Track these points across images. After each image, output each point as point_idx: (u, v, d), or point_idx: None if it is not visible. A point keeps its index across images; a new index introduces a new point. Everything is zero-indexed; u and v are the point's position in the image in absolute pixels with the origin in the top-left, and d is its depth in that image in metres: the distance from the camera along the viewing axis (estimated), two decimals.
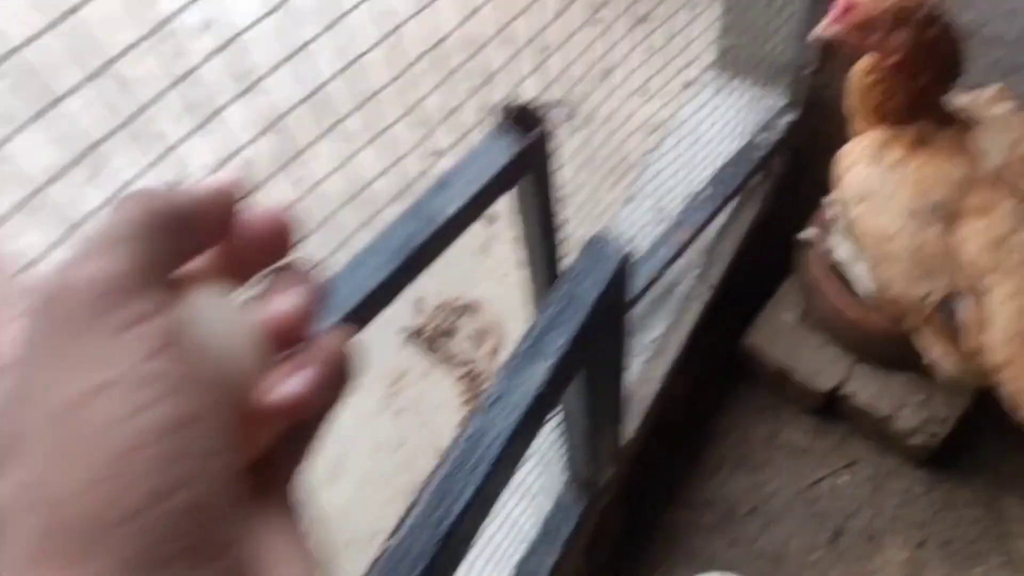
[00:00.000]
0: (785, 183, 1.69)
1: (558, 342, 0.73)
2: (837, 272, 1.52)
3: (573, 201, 1.34)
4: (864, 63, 1.21)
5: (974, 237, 1.16)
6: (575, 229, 1.22)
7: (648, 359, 1.42)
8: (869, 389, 1.56)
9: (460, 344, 1.72)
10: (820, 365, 1.59)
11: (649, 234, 1.47)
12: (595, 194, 1.50)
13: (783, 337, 1.62)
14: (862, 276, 1.38)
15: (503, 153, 0.75)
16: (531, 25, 1.10)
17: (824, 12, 1.37)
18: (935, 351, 1.25)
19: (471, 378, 1.69)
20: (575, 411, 0.99)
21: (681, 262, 1.48)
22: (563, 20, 1.15)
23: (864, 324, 1.50)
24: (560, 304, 0.74)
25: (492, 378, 1.67)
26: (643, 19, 1.94)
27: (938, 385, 1.53)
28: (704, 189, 1.48)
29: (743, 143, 1.54)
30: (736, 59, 1.60)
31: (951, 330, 1.19)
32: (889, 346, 1.52)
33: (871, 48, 1.16)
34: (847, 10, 1.11)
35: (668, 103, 1.62)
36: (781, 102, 1.58)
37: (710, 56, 1.65)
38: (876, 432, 1.59)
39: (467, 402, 1.67)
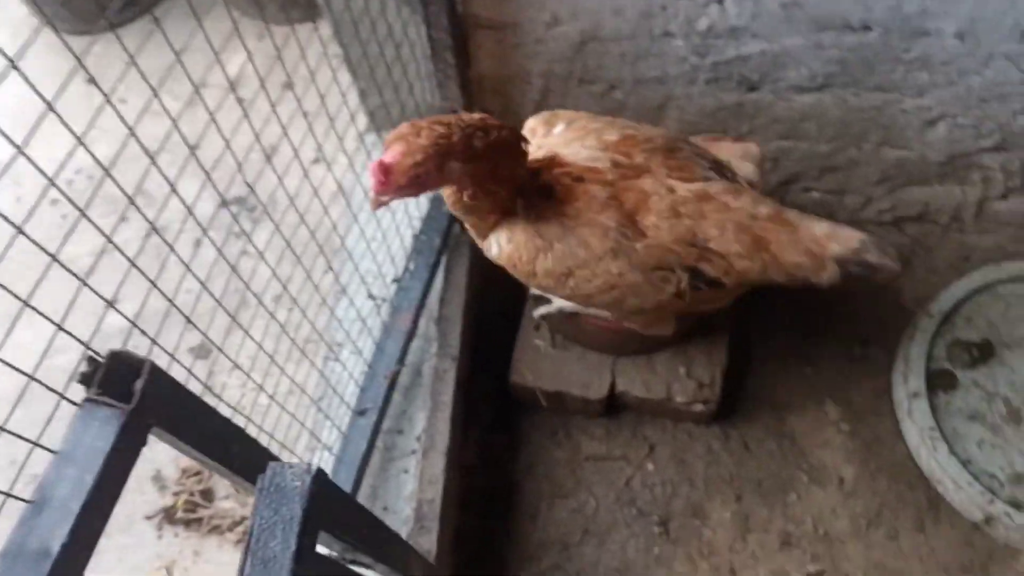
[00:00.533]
0: None
1: None
2: None
3: (285, 296, 1.21)
4: (448, 195, 1.17)
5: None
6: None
7: (422, 457, 1.34)
8: (637, 380, 1.58)
9: (222, 505, 1.54)
10: (587, 376, 1.59)
11: (372, 327, 1.38)
12: (306, 284, 1.38)
13: (544, 362, 1.61)
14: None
15: (102, 437, 0.61)
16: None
17: (443, 59, 1.34)
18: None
19: None
20: None
21: (416, 343, 1.40)
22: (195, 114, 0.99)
23: (610, 326, 1.51)
24: (264, 559, 0.62)
25: None
26: (288, 86, 1.83)
27: (691, 352, 1.60)
28: (407, 268, 1.40)
29: (429, 202, 1.48)
30: (386, 116, 1.53)
31: None
32: (639, 337, 1.55)
33: (434, 189, 1.12)
34: (386, 175, 1.00)
35: (347, 166, 1.53)
36: None
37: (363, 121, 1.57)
38: (660, 412, 1.63)
39: None
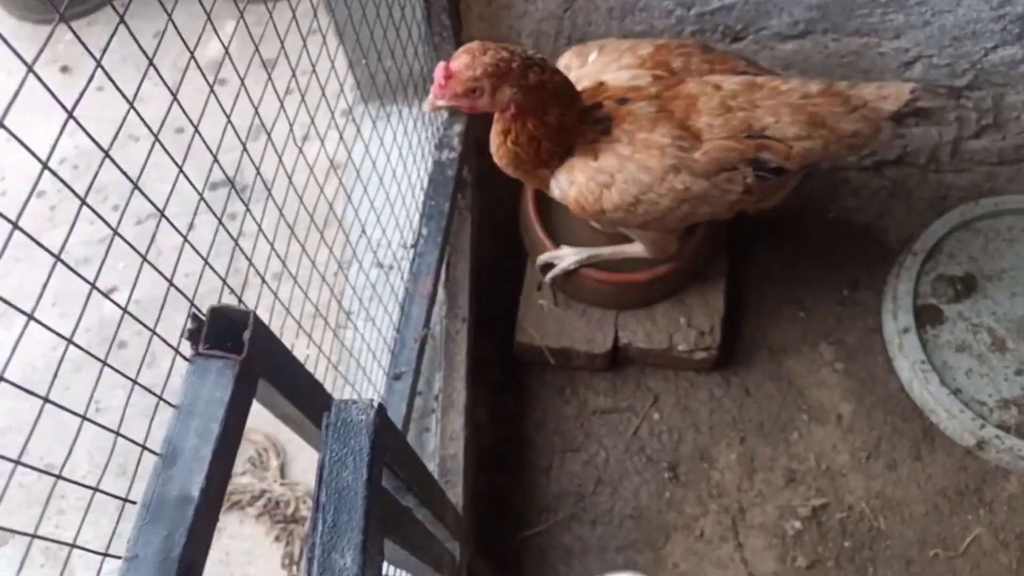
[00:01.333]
0: (483, 182, 1.68)
1: (353, 539, 0.63)
2: (563, 238, 1.56)
3: (294, 275, 1.22)
4: (496, 135, 1.22)
5: None
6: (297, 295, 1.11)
7: (441, 415, 1.36)
8: (640, 332, 1.62)
9: (240, 481, 1.55)
10: (590, 331, 1.62)
11: (385, 294, 1.39)
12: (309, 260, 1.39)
13: (547, 321, 1.63)
14: None
15: (219, 387, 0.62)
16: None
17: (439, 20, 1.35)
18: None
19: (271, 510, 1.53)
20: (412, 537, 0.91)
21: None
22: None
23: (610, 280, 1.54)
24: (332, 504, 0.64)
25: (296, 500, 1.54)
26: (273, 64, 1.81)
27: (690, 302, 1.64)
28: (420, 232, 1.42)
29: (431, 167, 1.49)
30: (378, 87, 1.54)
31: None
32: (638, 289, 1.58)
33: (484, 109, 1.16)
34: (446, 80, 1.10)
35: (339, 141, 1.53)
36: (443, 115, 1.55)
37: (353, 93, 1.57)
38: (663, 362, 1.67)
39: (279, 537, 1.51)
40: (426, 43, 1.44)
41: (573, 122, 1.20)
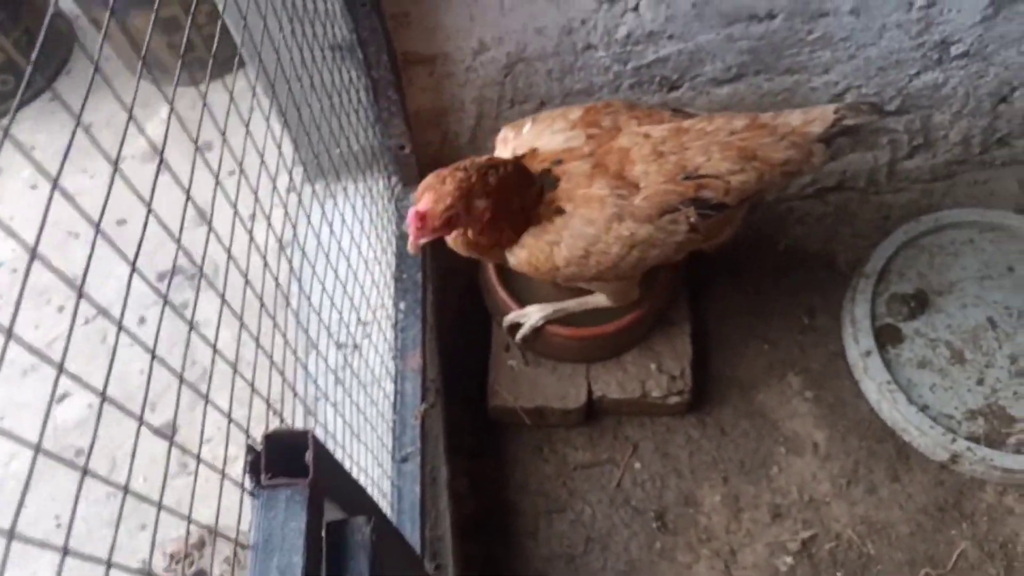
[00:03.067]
0: (439, 248, 1.67)
1: None
2: (527, 298, 1.56)
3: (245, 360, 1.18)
4: (453, 239, 1.26)
5: None
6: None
7: (421, 487, 1.33)
8: (612, 383, 1.61)
9: None
10: (563, 387, 1.61)
11: (347, 375, 1.36)
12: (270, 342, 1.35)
13: (519, 381, 1.62)
14: None
15: (293, 516, 0.58)
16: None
17: (386, 96, 1.35)
18: None
19: None
20: None
21: None
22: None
23: (577, 335, 1.54)
24: None
25: None
26: (208, 147, 1.79)
27: (658, 348, 1.64)
28: (398, 307, 1.41)
29: (396, 241, 1.48)
30: (323, 166, 1.53)
31: None
32: (606, 341, 1.58)
33: (466, 225, 1.19)
34: (422, 222, 1.12)
35: (285, 220, 1.51)
36: (399, 185, 1.55)
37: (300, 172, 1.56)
38: (637, 410, 1.67)
39: None
40: (374, 119, 1.44)
41: (533, 200, 1.21)
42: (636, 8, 1.40)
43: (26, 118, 2.27)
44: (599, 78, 1.55)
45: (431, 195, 1.12)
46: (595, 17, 1.41)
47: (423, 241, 1.15)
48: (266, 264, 1.10)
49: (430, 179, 1.15)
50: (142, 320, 1.58)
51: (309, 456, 0.61)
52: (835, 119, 1.29)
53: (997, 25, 1.56)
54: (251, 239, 1.09)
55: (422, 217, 1.12)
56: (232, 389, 1.10)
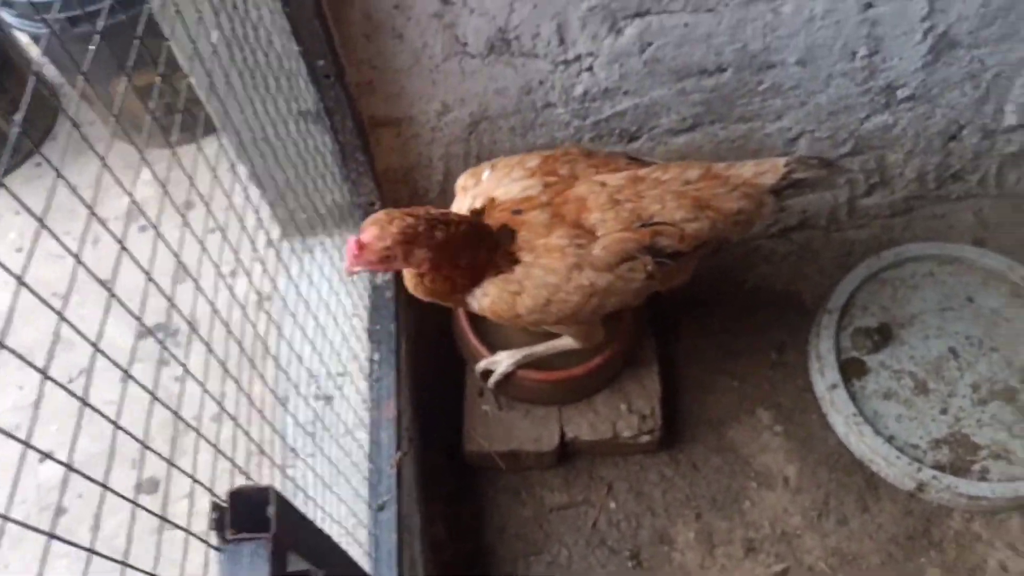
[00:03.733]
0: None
1: None
2: (498, 345, 1.61)
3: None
4: (410, 276, 1.30)
5: None
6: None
7: (398, 534, 1.36)
8: (584, 424, 1.66)
9: None
10: (536, 430, 1.66)
11: (332, 424, 1.41)
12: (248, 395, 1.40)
13: (493, 426, 1.66)
14: None
15: (256, 569, 0.63)
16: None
17: (354, 158, 1.41)
18: None
19: None
20: None
21: None
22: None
23: (548, 379, 1.59)
24: None
25: None
26: (189, 206, 1.84)
27: (627, 388, 1.69)
28: (372, 358, 1.46)
29: (370, 293, 1.54)
30: (304, 220, 1.59)
31: None
32: (576, 383, 1.63)
33: (399, 268, 1.25)
34: (360, 250, 1.17)
35: (263, 275, 1.57)
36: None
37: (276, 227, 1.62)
38: (610, 450, 1.71)
39: None
40: (344, 179, 1.50)
41: (485, 258, 1.26)
42: (591, 68, 1.48)
43: (12, 183, 2.33)
44: (560, 133, 1.62)
45: (374, 230, 1.16)
46: (552, 78, 1.48)
47: (356, 270, 1.20)
48: (246, 317, 1.15)
49: (380, 215, 1.19)
50: (125, 377, 1.62)
51: (271, 511, 0.66)
52: (786, 172, 1.34)
53: (938, 70, 1.63)
54: (229, 296, 1.14)
55: (360, 247, 1.16)
56: (220, 436, 1.14)
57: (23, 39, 2.45)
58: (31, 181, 2.35)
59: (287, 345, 1.49)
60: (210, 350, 1.14)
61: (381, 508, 1.33)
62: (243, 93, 1.23)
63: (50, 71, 2.56)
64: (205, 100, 1.28)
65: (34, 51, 2.46)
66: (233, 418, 1.07)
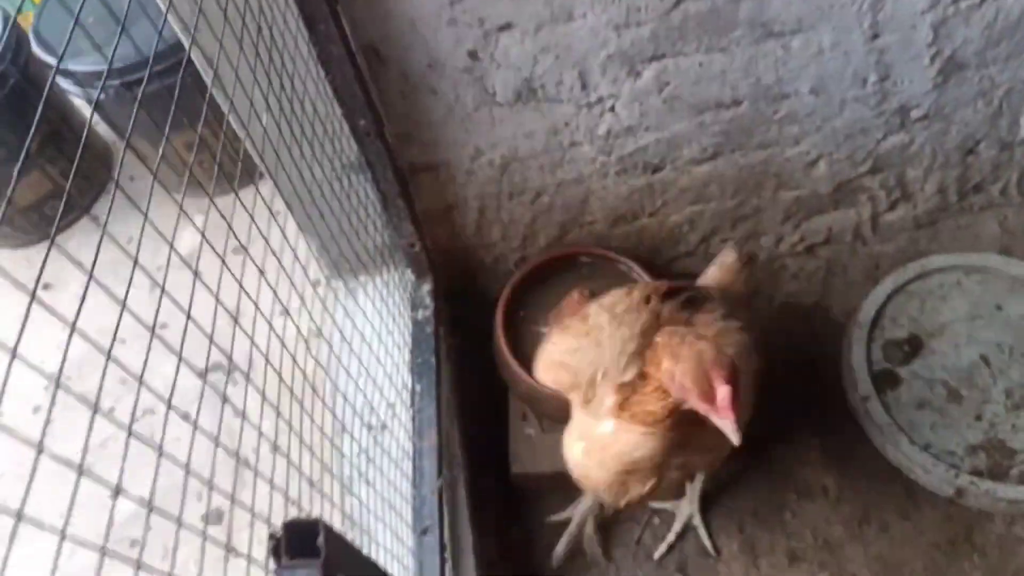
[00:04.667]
0: (455, 325, 1.83)
1: None
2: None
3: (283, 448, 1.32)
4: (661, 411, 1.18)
5: None
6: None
7: (453, 566, 1.45)
8: None
9: None
10: None
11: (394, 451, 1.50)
12: (305, 431, 1.50)
13: (538, 448, 1.74)
14: None
15: None
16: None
17: (395, 204, 1.52)
18: None
19: None
20: None
21: None
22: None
23: None
24: None
25: None
26: (238, 252, 1.96)
27: None
28: (414, 389, 1.55)
29: (412, 327, 1.64)
30: (350, 262, 1.70)
31: None
32: None
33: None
34: (733, 403, 1.07)
35: (313, 312, 1.67)
36: (411, 277, 1.71)
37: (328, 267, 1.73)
38: None
39: None
40: (386, 224, 1.61)
41: None
42: (612, 109, 1.57)
43: (70, 238, 2.50)
44: (587, 168, 1.71)
45: (724, 361, 1.08)
46: (576, 119, 1.58)
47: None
48: (295, 357, 1.25)
49: (716, 360, 1.08)
50: (186, 416, 1.73)
51: (320, 540, 0.75)
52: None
53: (949, 90, 1.70)
54: (281, 336, 1.24)
55: (733, 402, 1.05)
56: (275, 474, 1.23)
57: (78, 101, 2.62)
58: (89, 233, 2.51)
59: (340, 380, 1.59)
60: (262, 394, 1.24)
61: (424, 532, 1.42)
62: (289, 156, 1.35)
63: (104, 129, 2.74)
64: (259, 162, 1.40)
65: (87, 111, 2.63)
66: (286, 455, 1.17)
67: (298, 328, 1.35)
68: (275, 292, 1.35)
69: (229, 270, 1.14)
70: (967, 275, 1.98)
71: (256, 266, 1.33)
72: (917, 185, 1.96)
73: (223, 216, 1.16)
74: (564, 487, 1.77)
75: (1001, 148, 1.89)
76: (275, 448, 1.19)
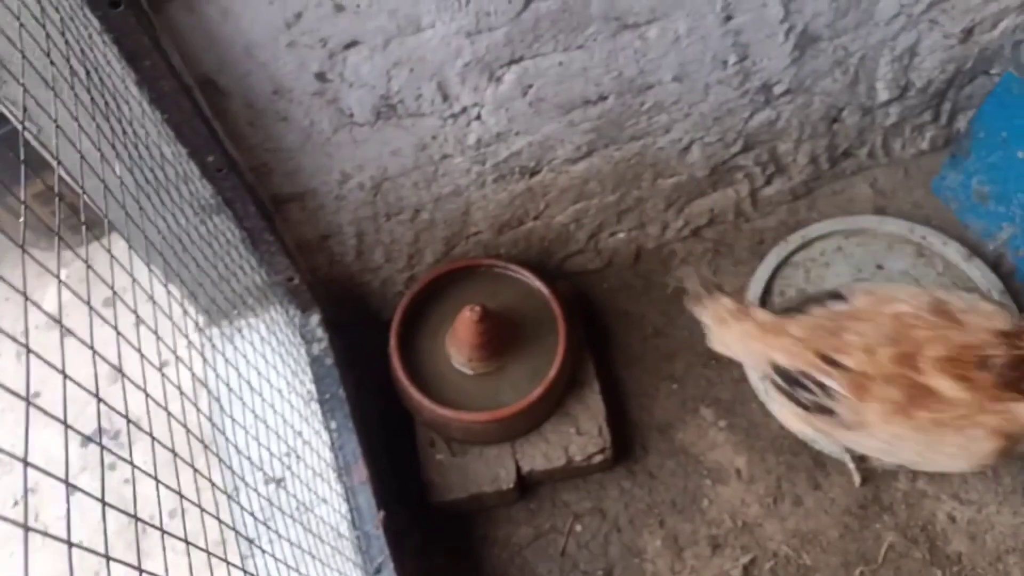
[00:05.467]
0: (356, 356, 1.75)
1: None
2: (441, 392, 1.65)
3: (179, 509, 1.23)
4: None
5: None
6: None
7: None
8: (537, 455, 1.69)
9: None
10: (493, 470, 1.68)
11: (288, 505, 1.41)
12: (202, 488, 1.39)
13: (450, 473, 1.69)
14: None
15: None
16: None
17: (263, 239, 1.42)
18: None
19: None
20: None
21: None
22: None
23: (495, 417, 1.62)
24: None
25: None
26: (108, 304, 1.82)
27: (572, 412, 1.73)
28: (330, 427, 1.47)
29: (311, 363, 1.55)
30: (229, 307, 1.60)
31: None
32: (522, 417, 1.66)
33: None
34: None
35: (194, 364, 1.57)
36: (298, 313, 1.62)
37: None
38: (568, 475, 1.75)
39: None
40: (258, 261, 1.52)
41: None
42: (479, 117, 1.52)
43: None
44: (463, 179, 1.66)
45: None
46: (443, 132, 1.53)
47: None
48: (184, 411, 1.15)
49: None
50: (71, 493, 1.60)
51: None
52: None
53: (807, 63, 1.73)
54: (166, 392, 1.14)
55: None
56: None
57: None
58: None
59: (232, 432, 1.50)
60: (153, 457, 1.14)
61: (378, 571, 1.35)
62: (137, 206, 1.25)
63: None
64: (104, 216, 1.29)
65: None
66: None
67: (179, 387, 1.26)
68: (160, 340, 1.25)
69: (107, 321, 1.03)
70: (847, 239, 2.03)
71: (134, 313, 1.22)
72: (789, 158, 1.99)
73: (90, 267, 1.06)
74: (483, 508, 1.73)
75: (863, 113, 1.94)
76: (176, 509, 1.09)
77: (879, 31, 1.72)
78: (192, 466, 1.20)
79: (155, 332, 1.16)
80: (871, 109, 1.94)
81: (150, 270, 1.29)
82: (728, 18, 1.54)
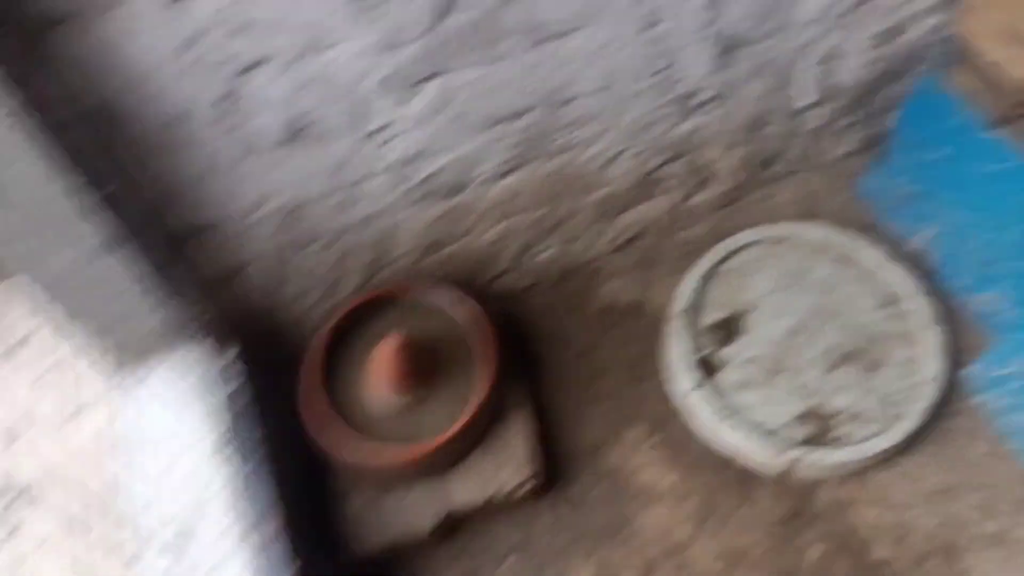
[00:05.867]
0: (271, 396, 1.65)
1: None
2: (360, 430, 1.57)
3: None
4: None
5: None
6: None
7: None
8: (463, 491, 1.62)
9: None
10: (416, 513, 1.60)
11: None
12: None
13: (370, 521, 1.60)
14: None
15: None
16: None
17: (170, 277, 1.32)
18: None
19: None
20: None
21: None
22: None
23: (411, 457, 1.55)
24: None
25: None
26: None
27: (497, 444, 1.66)
28: (244, 472, 1.38)
29: (226, 406, 1.46)
30: (137, 346, 1.48)
31: None
32: (440, 453, 1.59)
33: None
34: None
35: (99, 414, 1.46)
36: (210, 351, 1.52)
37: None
38: (496, 508, 1.68)
39: None
40: (169, 298, 1.41)
41: None
42: (398, 135, 1.44)
43: None
44: (384, 200, 1.58)
45: None
46: (360, 152, 1.44)
47: None
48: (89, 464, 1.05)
49: None
50: None
51: None
52: None
53: (730, 70, 1.70)
54: (70, 446, 1.04)
55: None
56: None
57: None
58: None
59: (137, 485, 1.39)
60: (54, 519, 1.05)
61: None
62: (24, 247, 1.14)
63: None
64: None
65: None
66: None
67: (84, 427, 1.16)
68: (75, 390, 1.15)
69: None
70: (771, 246, 2.02)
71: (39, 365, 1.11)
72: (716, 166, 1.98)
73: None
74: (407, 553, 1.65)
75: (788, 117, 1.94)
76: None
77: (801, 35, 1.71)
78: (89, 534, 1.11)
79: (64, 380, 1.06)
80: (796, 113, 1.94)
81: (49, 314, 1.17)
82: (651, 25, 1.49)
